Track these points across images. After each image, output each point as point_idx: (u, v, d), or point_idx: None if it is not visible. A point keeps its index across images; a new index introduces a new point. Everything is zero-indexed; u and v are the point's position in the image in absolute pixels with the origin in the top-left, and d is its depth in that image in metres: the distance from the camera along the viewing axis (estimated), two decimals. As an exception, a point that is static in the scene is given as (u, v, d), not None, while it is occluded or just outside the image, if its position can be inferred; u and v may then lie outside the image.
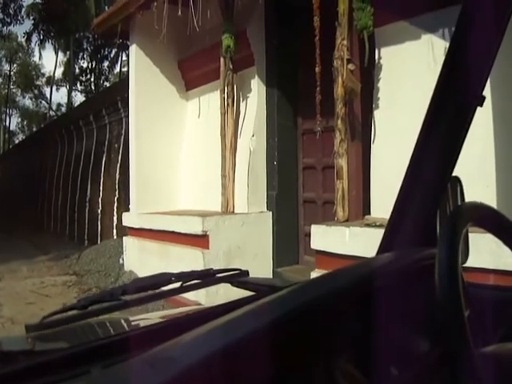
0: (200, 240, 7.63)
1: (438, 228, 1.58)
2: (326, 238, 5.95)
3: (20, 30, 66.75)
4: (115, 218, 12.83)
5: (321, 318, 1.10)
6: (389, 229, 1.71)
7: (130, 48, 10.28)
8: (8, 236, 19.83)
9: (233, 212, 8.30)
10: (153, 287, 1.47)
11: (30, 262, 13.02)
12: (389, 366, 1.24)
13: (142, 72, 9.84)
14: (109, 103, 14.10)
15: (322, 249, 5.97)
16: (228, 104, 8.40)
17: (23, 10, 25.39)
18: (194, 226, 7.73)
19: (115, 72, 42.34)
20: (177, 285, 1.51)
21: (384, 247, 1.70)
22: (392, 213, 1.71)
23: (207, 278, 1.60)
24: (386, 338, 1.22)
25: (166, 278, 1.50)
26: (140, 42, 9.82)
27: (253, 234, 7.97)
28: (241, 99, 8.62)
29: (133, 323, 1.68)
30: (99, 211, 14.20)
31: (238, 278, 1.66)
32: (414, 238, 1.63)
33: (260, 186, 8.25)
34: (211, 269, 1.65)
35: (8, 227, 23.00)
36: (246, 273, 1.67)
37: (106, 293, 1.46)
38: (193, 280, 1.55)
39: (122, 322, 1.66)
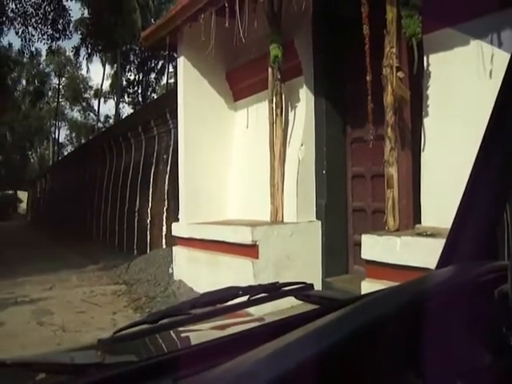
0: (249, 250, 7.63)
1: (497, 241, 1.56)
2: (377, 247, 5.89)
3: (68, 44, 68.35)
4: (164, 228, 12.93)
5: (385, 335, 1.10)
6: (448, 242, 1.69)
7: (178, 60, 10.39)
8: (58, 246, 20.23)
9: (282, 221, 8.28)
10: (220, 301, 1.49)
11: (80, 272, 13.22)
12: (454, 381, 1.23)
13: (190, 83, 9.94)
14: (157, 115, 14.26)
15: (372, 258, 5.92)
16: (276, 114, 8.40)
17: (71, 25, 25.88)
18: (243, 236, 7.74)
19: (162, 84, 42.91)
20: (244, 298, 1.52)
21: (443, 261, 1.67)
22: (452, 226, 1.68)
23: (273, 291, 1.61)
24: (449, 354, 1.21)
25: (233, 292, 1.52)
26: (188, 54, 9.93)
27: (302, 243, 7.95)
28: (289, 109, 8.63)
29: (199, 335, 1.70)
30: (148, 221, 14.32)
31: (303, 291, 1.66)
32: (474, 251, 1.61)
33: (309, 195, 8.23)
34: (277, 282, 1.65)
35: (58, 237, 23.44)
36: (311, 286, 1.67)
37: (175, 307, 1.48)
38: (259, 294, 1.56)
39: (190, 334, 1.68)
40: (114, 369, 1.10)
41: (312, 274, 7.89)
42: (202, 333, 1.69)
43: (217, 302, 1.48)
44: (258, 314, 1.99)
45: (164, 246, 12.66)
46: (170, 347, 1.56)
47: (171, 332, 1.52)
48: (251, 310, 1.62)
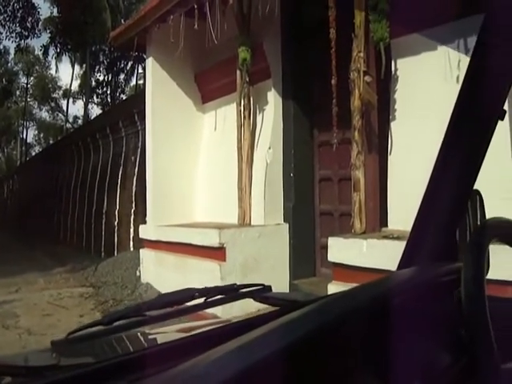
0: (217, 252, 7.63)
1: (458, 242, 1.58)
2: (343, 250, 5.93)
3: (37, 43, 67.34)
4: (132, 231, 12.85)
5: (344, 335, 1.10)
6: (409, 244, 1.71)
7: (147, 61, 10.36)
8: (26, 248, 19.99)
9: (249, 224, 8.29)
10: (177, 303, 1.48)
11: (47, 274, 13.08)
12: (412, 381, 1.24)
13: (159, 85, 9.91)
14: (125, 116, 14.18)
15: (339, 261, 5.96)
16: (244, 116, 8.42)
17: (40, 23, 25.70)
18: (210, 239, 7.73)
19: (131, 85, 42.67)
20: (200, 300, 1.51)
21: (404, 262, 1.69)
22: (412, 228, 1.70)
23: (230, 293, 1.61)
24: (408, 354, 1.22)
25: (189, 293, 1.51)
26: (156, 55, 9.90)
27: (269, 246, 7.96)
28: (257, 112, 8.64)
29: (156, 337, 1.69)
30: (116, 223, 14.24)
31: (261, 293, 1.66)
32: (434, 252, 1.63)
33: (277, 197, 8.25)
34: (234, 284, 1.65)
35: (26, 239, 23.17)
36: (269, 288, 1.67)
37: (131, 308, 1.47)
38: (216, 295, 1.55)
39: (146, 336, 1.67)
40: (69, 371, 1.09)
41: (279, 276, 7.90)
42: (158, 335, 1.69)
43: (173, 304, 1.47)
44: (219, 317, 1.99)
45: (132, 249, 12.59)
46: (124, 349, 1.55)
47: (126, 334, 1.51)
48: (212, 311, 1.62)
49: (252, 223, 8.29)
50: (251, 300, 1.64)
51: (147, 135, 10.23)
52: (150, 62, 10.09)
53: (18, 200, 34.05)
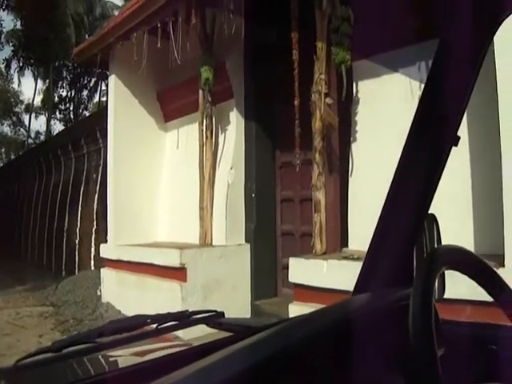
0: (178, 272, 7.58)
1: (414, 267, 1.59)
2: (304, 270, 5.95)
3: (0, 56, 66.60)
4: (93, 249, 12.72)
5: (298, 361, 1.09)
6: (365, 268, 1.71)
7: (109, 78, 10.31)
8: (-15, 267, 19.65)
9: (211, 244, 8.27)
10: (128, 329, 1.46)
11: (6, 293, 12.86)
12: None
13: (121, 102, 9.86)
14: (88, 133, 14.06)
15: (299, 282, 5.98)
16: (207, 136, 8.41)
17: (3, 36, 25.43)
18: (171, 259, 7.68)
19: (94, 101, 42.38)
20: (152, 326, 1.50)
21: (360, 287, 1.68)
22: (368, 251, 1.70)
23: (183, 319, 1.60)
24: (364, 379, 1.22)
25: (141, 320, 1.50)
26: (119, 73, 9.86)
27: (231, 266, 7.94)
28: (219, 131, 8.65)
29: (111, 361, 1.67)
30: (77, 242, 14.08)
31: (215, 319, 1.66)
32: (391, 277, 1.63)
33: (238, 218, 8.24)
34: (187, 310, 1.64)
35: (-17, 256, 22.78)
36: (222, 314, 1.67)
37: (81, 335, 1.46)
38: (169, 322, 1.54)
39: (101, 360, 1.64)
40: None
41: (241, 296, 7.89)
42: (108, 361, 1.66)
43: (124, 331, 1.45)
44: (170, 342, 1.97)
45: (93, 268, 12.46)
46: (74, 376, 1.52)
47: (76, 361, 1.48)
48: (166, 337, 1.60)
49: (213, 243, 8.27)
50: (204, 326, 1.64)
51: (109, 153, 10.14)
52: (112, 79, 10.04)
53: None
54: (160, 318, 1.53)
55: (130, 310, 8.40)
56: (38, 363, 1.32)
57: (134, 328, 1.47)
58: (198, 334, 2.36)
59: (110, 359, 1.68)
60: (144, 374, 1.10)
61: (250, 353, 1.04)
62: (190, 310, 1.64)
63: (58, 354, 1.31)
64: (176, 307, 6.50)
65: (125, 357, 1.70)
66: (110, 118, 10.02)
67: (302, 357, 1.11)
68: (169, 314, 1.61)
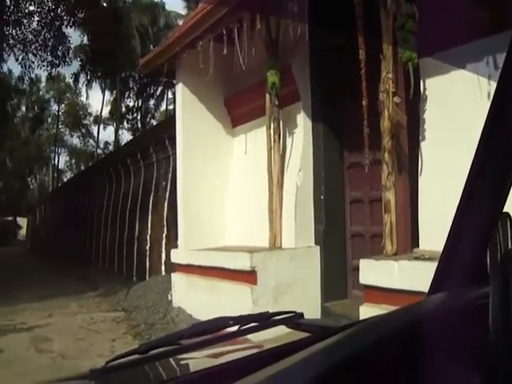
0: (248, 276, 7.62)
1: (488, 266, 1.56)
2: (375, 272, 5.88)
3: (68, 70, 68.61)
4: (163, 255, 12.89)
5: (373, 363, 1.10)
6: (439, 268, 1.69)
7: (177, 87, 10.46)
8: (58, 272, 20.17)
9: (280, 247, 8.26)
10: (210, 331, 1.49)
11: (79, 298, 13.17)
12: None
13: (189, 110, 10.00)
14: (156, 141, 14.33)
15: (370, 283, 5.90)
16: (274, 140, 8.44)
17: (71, 51, 26.10)
18: (241, 262, 7.72)
19: (161, 110, 43.07)
20: (234, 328, 1.53)
21: (435, 287, 1.67)
22: (442, 251, 1.68)
23: (263, 320, 1.61)
24: (441, 379, 1.21)
25: (223, 321, 1.53)
26: (186, 81, 10.00)
27: (301, 268, 7.92)
28: (287, 134, 8.66)
29: (191, 365, 1.70)
30: (147, 248, 14.29)
31: (294, 320, 1.67)
32: (465, 276, 1.61)
33: (307, 220, 8.23)
34: (267, 312, 1.66)
35: (58, 263, 23.39)
36: (301, 315, 1.68)
37: (165, 337, 1.50)
38: (249, 323, 1.56)
39: (181, 364, 1.68)
40: None
41: (311, 299, 7.86)
42: (193, 362, 1.69)
43: (206, 333, 1.48)
44: (250, 342, 1.99)
45: (163, 273, 12.62)
46: (159, 377, 1.56)
47: (161, 362, 1.52)
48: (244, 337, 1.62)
49: (283, 246, 8.26)
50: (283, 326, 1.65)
51: (178, 160, 10.29)
52: (179, 88, 10.18)
53: (50, 225, 34.46)
54: (241, 320, 1.56)
55: (201, 314, 8.46)
56: (126, 364, 1.37)
57: (217, 330, 1.50)
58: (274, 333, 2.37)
59: (193, 361, 1.71)
60: (226, 375, 1.12)
61: (325, 356, 1.05)
62: (270, 311, 1.67)
63: (144, 356, 1.35)
64: (247, 310, 6.53)
65: (205, 358, 1.74)
66: (179, 125, 10.17)
67: (377, 358, 1.12)
68: (249, 315, 1.64)
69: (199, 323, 1.55)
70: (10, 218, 59.20)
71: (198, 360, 1.70)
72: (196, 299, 8.95)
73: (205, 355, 1.71)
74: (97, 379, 1.36)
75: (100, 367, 1.37)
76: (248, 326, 1.55)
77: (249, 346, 1.87)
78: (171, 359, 1.57)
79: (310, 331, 1.61)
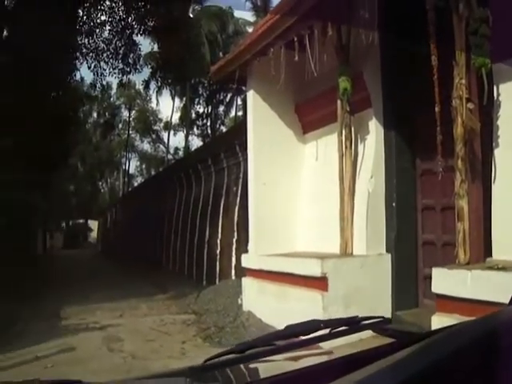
0: (319, 282, 7.61)
1: None
2: (448, 281, 5.79)
3: (138, 78, 70.02)
4: (234, 259, 13.00)
5: (454, 371, 1.11)
6: None
7: (248, 93, 10.57)
8: (128, 274, 20.60)
9: (351, 254, 8.22)
10: (303, 333, 1.53)
11: (150, 300, 13.42)
12: None
13: (260, 116, 10.10)
14: (227, 147, 14.50)
15: (443, 292, 5.82)
16: (346, 146, 8.41)
17: (141, 58, 26.64)
18: (312, 268, 7.72)
19: (230, 116, 43.38)
20: (325, 331, 1.56)
21: None
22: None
23: (353, 325, 1.64)
24: None
25: (315, 324, 1.57)
26: (257, 88, 10.09)
27: (371, 276, 7.86)
28: (358, 141, 8.62)
29: (282, 366, 1.73)
30: (218, 252, 14.44)
31: (381, 325, 1.69)
32: None
33: (379, 227, 8.16)
34: (356, 316, 1.68)
35: (128, 266, 23.87)
36: (389, 320, 1.70)
37: (260, 338, 1.55)
38: (340, 327, 1.59)
39: (273, 365, 1.71)
40: None
41: (382, 307, 7.78)
42: (285, 363, 1.74)
43: (300, 334, 1.53)
44: (333, 346, 2.00)
45: (233, 277, 12.73)
46: (254, 377, 1.61)
47: (256, 362, 1.57)
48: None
49: (354, 253, 8.22)
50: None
51: (249, 166, 10.40)
52: (251, 95, 10.29)
53: (120, 228, 35.19)
54: (333, 323, 1.60)
55: (270, 318, 8.53)
56: (222, 363, 1.42)
57: (309, 332, 1.55)
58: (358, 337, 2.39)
59: (285, 362, 1.76)
60: (313, 378, 1.15)
61: (408, 363, 1.06)
62: (360, 316, 1.70)
63: (241, 355, 1.40)
64: (317, 317, 6.46)
65: (296, 360, 1.78)
66: (250, 131, 10.28)
67: (456, 368, 1.12)
68: (340, 319, 1.69)
69: (293, 325, 1.58)
70: (81, 221, 60.80)
71: (289, 362, 1.75)
72: (266, 304, 9.00)
73: (295, 357, 1.75)
74: (194, 376, 1.42)
75: (198, 365, 1.44)
76: (339, 329, 1.58)
77: (334, 349, 1.90)
78: (266, 359, 1.62)
79: (395, 337, 1.63)
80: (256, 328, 8.67)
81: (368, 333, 1.70)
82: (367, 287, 7.75)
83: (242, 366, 1.55)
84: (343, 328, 1.61)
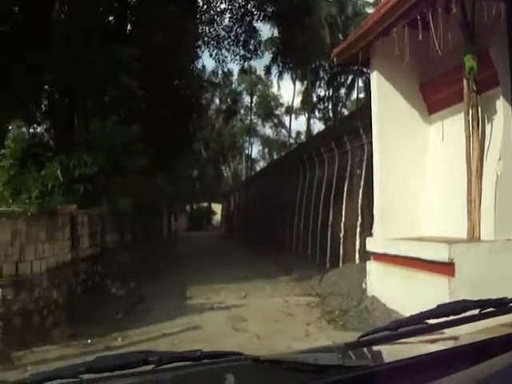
0: (445, 267, 7.41)
1: None
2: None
3: (259, 63, 70.93)
4: (357, 242, 12.94)
5: None
6: None
7: (371, 75, 10.44)
8: (252, 256, 21.01)
9: (479, 239, 7.94)
10: (452, 313, 1.53)
11: (274, 281, 13.63)
12: None
13: (384, 98, 9.96)
14: (350, 130, 14.43)
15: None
16: (473, 127, 8.12)
17: (262, 44, 26.88)
18: (439, 253, 7.52)
19: (352, 99, 43.01)
20: (474, 312, 1.56)
21: None
22: None
23: (501, 306, 1.62)
24: None
25: (464, 304, 1.57)
26: (380, 68, 9.97)
27: (500, 262, 7.49)
28: (486, 121, 8.29)
29: (429, 347, 1.74)
30: (341, 235, 14.39)
31: None
32: None
33: (507, 211, 7.81)
34: (505, 298, 1.66)
35: (251, 248, 24.30)
36: None
37: (412, 317, 1.58)
38: (488, 308, 1.58)
39: (422, 344, 1.74)
40: (353, 371, 1.21)
41: (510, 295, 7.47)
42: (433, 345, 1.75)
43: (449, 314, 1.53)
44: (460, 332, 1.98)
45: (357, 261, 12.67)
46: (405, 354, 1.62)
47: (408, 341, 1.59)
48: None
49: (481, 238, 7.93)
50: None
51: (374, 148, 10.25)
52: (374, 76, 10.16)
53: (243, 212, 35.83)
54: (481, 304, 1.59)
55: (395, 303, 8.43)
56: (376, 340, 1.46)
57: (458, 312, 1.55)
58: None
59: (433, 341, 1.77)
60: (460, 359, 1.14)
61: None
62: (509, 298, 1.68)
63: (393, 333, 1.43)
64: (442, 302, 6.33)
65: (444, 340, 1.80)
66: (374, 113, 10.15)
67: None
68: (489, 300, 1.66)
69: (442, 305, 1.60)
70: (205, 205, 62.47)
71: (439, 342, 1.75)
72: (391, 289, 8.90)
73: (445, 337, 1.76)
74: (348, 352, 1.46)
75: (353, 341, 1.49)
76: (487, 310, 1.57)
77: (462, 336, 1.88)
78: (417, 338, 1.64)
79: None
80: (380, 313, 8.60)
81: (495, 320, 1.67)
82: (495, 274, 7.42)
83: (392, 343, 1.57)
84: (492, 309, 1.59)
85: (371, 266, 9.95)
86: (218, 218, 58.82)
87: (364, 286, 10.11)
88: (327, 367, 1.25)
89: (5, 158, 9.62)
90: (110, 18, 18.51)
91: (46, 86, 16.69)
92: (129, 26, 19.36)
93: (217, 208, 59.37)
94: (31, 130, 18.54)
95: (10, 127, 12.50)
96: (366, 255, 10.66)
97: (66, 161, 11.88)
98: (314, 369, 1.27)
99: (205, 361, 1.58)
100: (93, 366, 1.43)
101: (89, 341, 7.84)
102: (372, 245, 10.05)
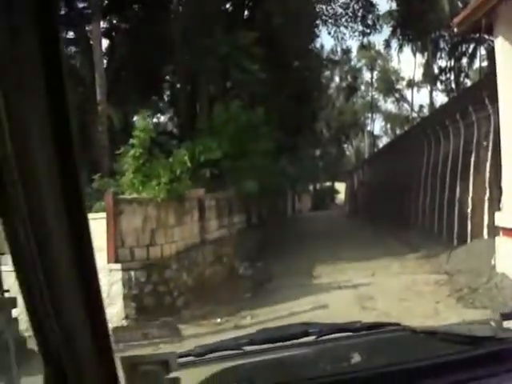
0: None
1: None
2: None
3: (378, 38, 69.73)
4: (486, 218, 12.41)
5: None
6: None
7: (495, 41, 9.99)
8: (377, 233, 20.82)
9: None
10: None
11: (401, 259, 13.49)
12: None
13: (511, 64, 9.42)
14: (475, 100, 13.86)
15: None
16: None
17: (380, 19, 26.48)
18: None
19: (474, 68, 41.45)
20: None
21: None
22: None
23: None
24: None
25: None
26: (506, 33, 9.46)
27: None
28: None
29: None
30: (469, 210, 13.86)
31: None
32: None
33: None
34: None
35: (377, 225, 24.09)
36: None
37: None
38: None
39: None
40: (508, 343, 1.21)
41: None
42: None
43: None
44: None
45: (486, 236, 12.20)
46: None
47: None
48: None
49: None
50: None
51: (501, 118, 9.78)
52: (499, 42, 9.71)
53: (368, 189, 35.55)
54: None
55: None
56: None
57: None
58: None
59: None
60: None
61: None
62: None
63: None
64: None
65: None
66: (500, 81, 9.68)
67: None
68: None
69: None
70: (328, 184, 62.46)
71: None
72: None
73: None
74: (503, 323, 1.45)
75: (509, 312, 1.49)
76: None
77: None
78: None
79: None
80: (511, 290, 8.30)
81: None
82: None
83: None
84: None
85: (500, 241, 9.57)
86: (341, 196, 58.68)
87: (493, 262, 9.78)
88: (482, 338, 1.25)
89: (134, 147, 10.04)
90: (227, 6, 18.86)
91: (167, 77, 17.27)
92: (246, 12, 19.65)
93: (340, 187, 59.25)
94: (155, 120, 19.32)
95: (135, 118, 13.07)
96: (494, 230, 10.30)
97: (192, 147, 12.25)
98: (468, 340, 1.28)
99: (364, 332, 1.61)
100: (255, 338, 1.53)
101: (218, 320, 8.09)
102: (501, 219, 9.66)
